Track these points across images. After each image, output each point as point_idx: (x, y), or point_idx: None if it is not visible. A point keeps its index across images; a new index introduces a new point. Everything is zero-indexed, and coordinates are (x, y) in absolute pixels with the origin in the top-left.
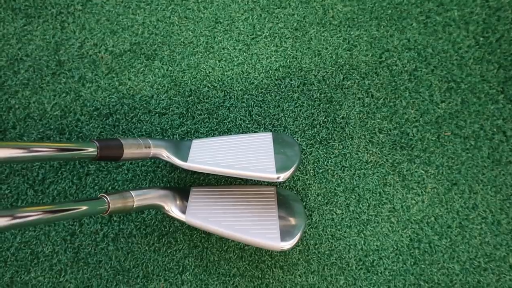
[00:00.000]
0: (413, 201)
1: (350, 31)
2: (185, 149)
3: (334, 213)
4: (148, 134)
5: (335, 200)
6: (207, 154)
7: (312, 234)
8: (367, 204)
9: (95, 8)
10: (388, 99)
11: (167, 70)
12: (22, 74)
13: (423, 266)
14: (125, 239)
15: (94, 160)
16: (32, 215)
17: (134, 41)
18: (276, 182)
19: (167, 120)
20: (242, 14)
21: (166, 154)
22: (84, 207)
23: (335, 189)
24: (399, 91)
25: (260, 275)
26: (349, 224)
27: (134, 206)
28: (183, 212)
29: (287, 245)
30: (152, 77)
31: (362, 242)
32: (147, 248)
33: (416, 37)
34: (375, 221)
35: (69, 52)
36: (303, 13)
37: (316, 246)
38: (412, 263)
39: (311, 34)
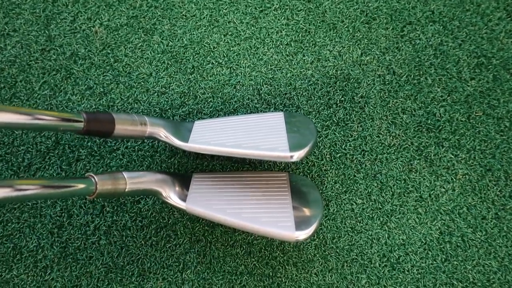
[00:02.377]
0: (442, 189)
1: (368, 3)
2: (186, 130)
3: (354, 203)
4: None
5: (355, 188)
6: (211, 134)
7: (329, 227)
8: (391, 192)
9: None
10: (412, 76)
11: (167, 46)
12: (8, 51)
13: (455, 262)
14: (119, 232)
15: (81, 134)
16: None
17: (132, 14)
18: (289, 162)
19: (166, 99)
20: None
21: (164, 134)
22: (66, 186)
23: (354, 175)
24: (424, 67)
25: (270, 273)
26: (371, 215)
27: (126, 190)
28: (183, 200)
29: (302, 234)
30: (150, 53)
31: (386, 235)
32: (143, 242)
33: (441, 9)
34: (400, 211)
35: (60, 26)
36: None
37: (334, 240)
38: (443, 260)
39: (325, 6)
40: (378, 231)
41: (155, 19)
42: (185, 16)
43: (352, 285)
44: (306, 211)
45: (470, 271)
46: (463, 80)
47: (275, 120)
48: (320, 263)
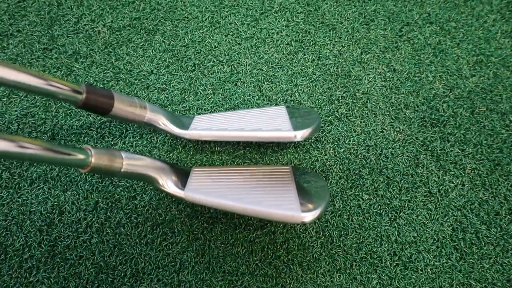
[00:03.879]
0: (452, 184)
1: (366, 6)
2: (186, 121)
3: (360, 199)
4: None
5: (361, 184)
6: (212, 123)
7: (335, 224)
8: (398, 187)
9: None
10: (413, 73)
11: (168, 45)
12: (10, 50)
13: (471, 261)
14: (112, 230)
15: (79, 107)
16: None
17: (135, 16)
18: (293, 141)
19: (167, 95)
20: None
21: (163, 122)
22: (64, 153)
23: (360, 171)
24: (424, 65)
25: (274, 274)
26: (378, 212)
27: (122, 170)
28: (181, 189)
29: (309, 216)
30: (152, 52)
31: (396, 232)
32: (137, 240)
33: (436, 12)
34: (409, 207)
35: (64, 27)
36: None
37: (341, 238)
38: (458, 258)
39: (324, 9)
40: (387, 228)
41: (157, 21)
42: (187, 18)
43: (363, 287)
44: (312, 195)
45: (488, 270)
46: (463, 77)
47: (277, 111)
48: (327, 262)
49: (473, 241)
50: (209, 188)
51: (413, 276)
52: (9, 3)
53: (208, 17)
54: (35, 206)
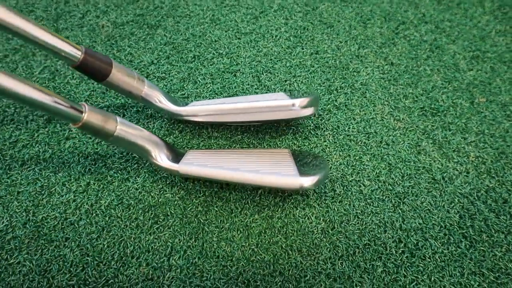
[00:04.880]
0: (456, 171)
1: (362, 7)
2: (183, 102)
3: (362, 185)
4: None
5: (362, 169)
6: (210, 102)
7: (336, 209)
8: (401, 174)
9: None
10: (410, 67)
11: (170, 38)
12: (15, 40)
13: (482, 249)
14: (102, 212)
15: (76, 68)
16: None
17: (138, 13)
18: (291, 109)
19: (166, 83)
20: None
21: (159, 99)
22: (59, 103)
23: (360, 157)
24: (421, 59)
25: (271, 260)
26: (381, 198)
27: (114, 134)
28: (175, 163)
29: (307, 181)
30: (153, 44)
31: (401, 219)
32: (128, 223)
33: (431, 12)
34: (412, 193)
35: (69, 22)
36: None
37: (343, 224)
38: (468, 246)
39: (321, 9)
40: (391, 214)
41: (160, 17)
42: (189, 15)
43: (367, 274)
44: (310, 167)
45: (500, 259)
46: (461, 71)
47: (276, 94)
48: (328, 249)
49: (482, 229)
50: (205, 161)
51: (421, 264)
52: (18, 0)
53: (209, 14)
54: (23, 187)
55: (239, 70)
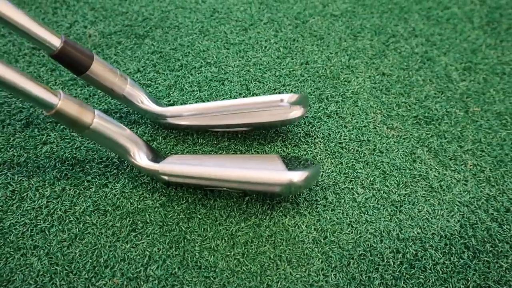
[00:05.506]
0: (454, 179)
1: (352, 21)
2: (167, 105)
3: (355, 192)
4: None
5: (355, 177)
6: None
7: (329, 217)
8: (396, 182)
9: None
10: (402, 77)
11: (157, 48)
12: None
13: (487, 259)
14: (76, 218)
15: (53, 57)
16: None
17: (127, 23)
18: (281, 106)
19: (151, 90)
20: (240, 6)
21: (142, 99)
22: (34, 85)
23: (353, 165)
24: (413, 70)
25: (258, 271)
26: (376, 206)
27: (91, 126)
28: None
29: (296, 176)
30: (140, 53)
31: (398, 228)
32: (103, 230)
33: (420, 27)
34: (409, 201)
35: (56, 31)
36: (303, 7)
37: (336, 233)
38: (471, 256)
39: (311, 23)
40: (387, 223)
41: (148, 28)
42: (178, 26)
43: (363, 287)
44: (300, 166)
45: (507, 271)
46: (454, 81)
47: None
48: (320, 260)
49: (485, 239)
50: (187, 161)
51: (421, 276)
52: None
53: (199, 26)
54: None
55: (227, 78)
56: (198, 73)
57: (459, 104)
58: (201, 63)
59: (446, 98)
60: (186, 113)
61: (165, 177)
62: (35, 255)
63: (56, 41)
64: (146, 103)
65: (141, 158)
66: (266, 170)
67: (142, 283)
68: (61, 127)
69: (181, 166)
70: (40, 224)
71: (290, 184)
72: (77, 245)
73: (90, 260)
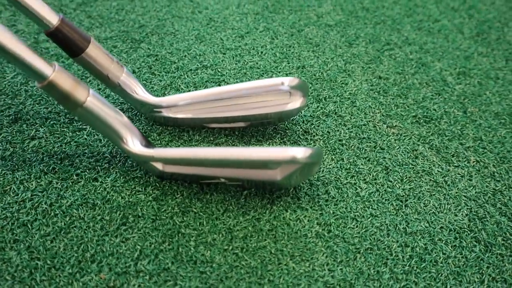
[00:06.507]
0: (458, 175)
1: (346, 31)
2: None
3: (358, 187)
4: (122, 103)
5: (357, 172)
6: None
7: (332, 212)
8: (399, 177)
9: (88, 8)
10: (399, 80)
11: (153, 51)
12: None
13: (500, 253)
14: (63, 212)
15: (49, 35)
16: None
17: (123, 29)
18: (281, 90)
19: (147, 89)
20: (236, 16)
21: (137, 90)
22: (30, 53)
23: (354, 161)
24: (409, 74)
25: (259, 266)
26: (380, 200)
27: (84, 104)
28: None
29: (300, 152)
30: (136, 56)
31: (404, 222)
32: (91, 224)
33: (413, 36)
34: (414, 196)
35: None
36: (298, 17)
37: (340, 227)
38: (483, 250)
39: (306, 31)
40: (393, 217)
41: (144, 34)
42: (174, 33)
43: (373, 282)
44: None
45: None
46: (449, 84)
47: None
48: (325, 254)
49: (496, 232)
50: (184, 148)
51: (433, 270)
52: (1, 16)
53: (195, 33)
54: None
55: (224, 80)
56: (194, 75)
57: (456, 105)
58: (197, 65)
59: (444, 100)
60: (182, 102)
61: (159, 166)
62: (15, 249)
63: (53, 19)
64: (141, 93)
65: (134, 144)
66: (266, 148)
67: (131, 278)
68: (51, 122)
69: (176, 149)
70: (22, 218)
71: (293, 161)
72: (61, 239)
73: (75, 255)
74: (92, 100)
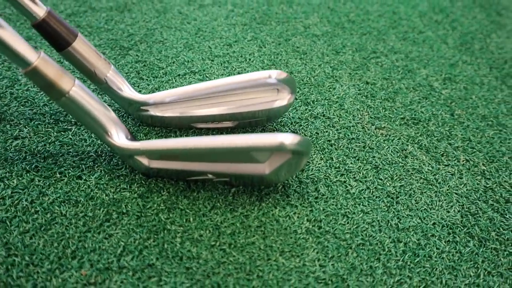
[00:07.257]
0: (448, 173)
1: (333, 40)
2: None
3: (348, 185)
4: (110, 106)
5: (347, 170)
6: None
7: (322, 208)
8: (389, 174)
9: (78, 18)
10: (386, 85)
11: (141, 57)
12: None
13: (494, 247)
14: (44, 209)
15: (35, 26)
16: None
17: (112, 37)
18: (269, 83)
19: (133, 88)
20: (224, 27)
21: (123, 87)
22: (16, 39)
23: (344, 160)
24: (395, 80)
25: (247, 262)
26: (371, 197)
27: (67, 95)
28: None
29: (288, 138)
30: (124, 62)
31: (396, 218)
32: (73, 221)
33: (398, 46)
34: (405, 193)
35: (38, 43)
36: (285, 28)
37: (331, 223)
38: (477, 245)
39: (294, 41)
40: (385, 213)
41: (133, 42)
42: (162, 42)
43: (365, 277)
44: None
45: None
46: (436, 89)
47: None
48: (315, 250)
49: (489, 227)
50: (170, 139)
51: (427, 264)
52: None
53: (183, 42)
54: None
55: None
56: (183, 80)
57: (444, 108)
58: (186, 71)
59: (431, 103)
60: (168, 98)
61: (145, 161)
62: None
63: (40, 11)
64: (128, 91)
65: (119, 138)
66: (255, 134)
67: (114, 274)
68: (35, 123)
69: (163, 140)
70: (1, 215)
71: (281, 148)
72: (41, 235)
73: (55, 251)
74: (77, 90)
